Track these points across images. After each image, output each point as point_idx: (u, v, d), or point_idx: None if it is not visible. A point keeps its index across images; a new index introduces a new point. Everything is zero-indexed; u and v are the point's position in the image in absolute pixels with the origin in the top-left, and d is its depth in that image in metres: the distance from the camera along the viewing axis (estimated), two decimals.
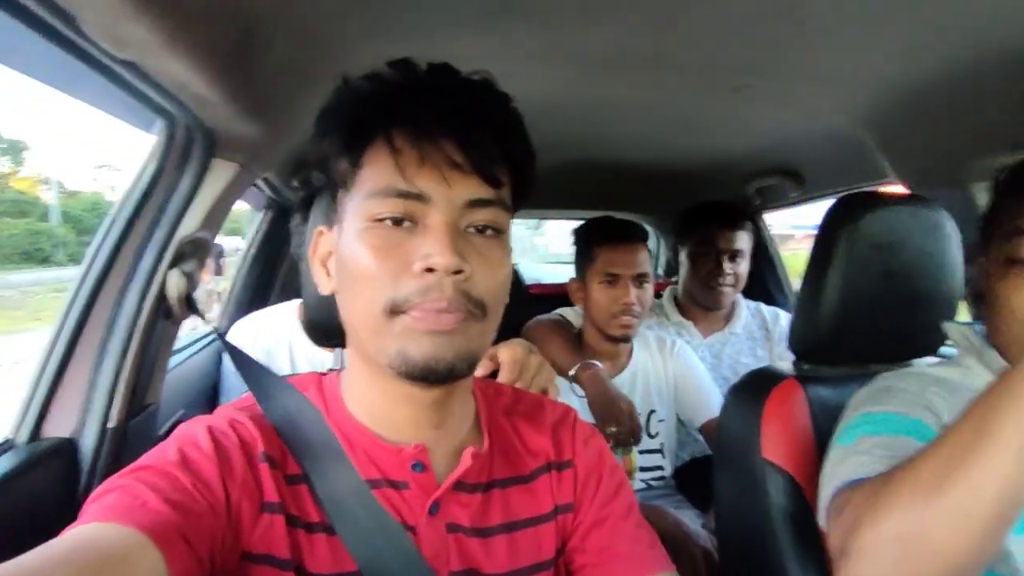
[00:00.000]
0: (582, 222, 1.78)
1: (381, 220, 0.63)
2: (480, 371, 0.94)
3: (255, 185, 1.74)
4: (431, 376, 0.62)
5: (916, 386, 0.89)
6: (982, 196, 1.34)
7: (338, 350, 1.47)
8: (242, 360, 0.76)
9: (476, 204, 0.63)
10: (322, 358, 1.55)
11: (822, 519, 0.83)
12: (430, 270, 0.61)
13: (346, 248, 0.65)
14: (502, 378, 0.98)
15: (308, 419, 0.68)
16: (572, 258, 1.79)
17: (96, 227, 1.04)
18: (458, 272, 0.61)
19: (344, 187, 0.66)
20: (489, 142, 0.63)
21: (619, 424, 1.51)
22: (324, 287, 0.72)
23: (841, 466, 0.82)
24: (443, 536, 0.68)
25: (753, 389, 1.12)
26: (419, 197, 0.62)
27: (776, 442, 1.05)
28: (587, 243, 1.69)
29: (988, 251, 0.89)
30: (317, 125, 0.68)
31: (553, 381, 1.06)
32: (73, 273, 1.04)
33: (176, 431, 0.65)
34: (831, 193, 1.90)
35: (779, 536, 1.01)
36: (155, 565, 0.50)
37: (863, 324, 1.07)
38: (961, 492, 0.62)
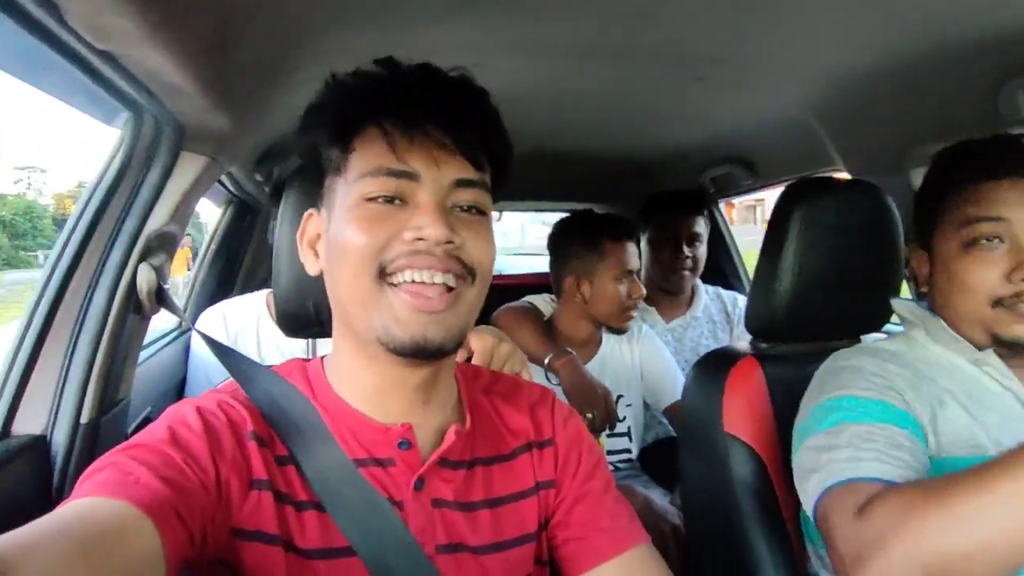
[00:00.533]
0: (566, 214, 1.81)
1: (373, 199, 0.66)
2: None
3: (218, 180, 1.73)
4: (421, 353, 0.66)
5: (874, 364, 0.93)
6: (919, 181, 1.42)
7: (309, 340, 1.47)
8: (222, 349, 0.77)
9: (462, 184, 0.67)
10: (291, 347, 1.55)
11: (809, 508, 0.85)
12: (421, 240, 0.64)
13: (337, 226, 0.68)
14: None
15: (293, 402, 0.70)
16: (528, 249, 1.82)
17: (29, 232, 1.03)
18: (448, 243, 0.65)
19: (335, 172, 0.69)
20: (472, 130, 0.67)
21: (596, 409, 1.56)
22: (312, 267, 0.74)
23: (826, 458, 0.84)
24: (429, 511, 0.70)
25: (714, 367, 1.17)
26: (409, 176, 0.66)
27: (737, 416, 1.10)
28: (595, 239, 1.69)
29: (934, 235, 0.94)
30: (306, 117, 0.71)
31: (525, 366, 1.09)
32: (11, 278, 1.02)
33: (166, 412, 0.66)
34: (781, 181, 1.97)
35: (743, 507, 1.06)
36: (150, 538, 0.51)
37: (815, 303, 1.12)
38: (992, 533, 0.64)
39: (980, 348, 0.92)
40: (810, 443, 0.89)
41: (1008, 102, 1.08)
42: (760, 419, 1.10)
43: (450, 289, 0.66)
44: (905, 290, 1.34)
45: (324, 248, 0.72)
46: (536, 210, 3.15)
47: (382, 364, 0.69)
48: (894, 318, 1.14)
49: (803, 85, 1.37)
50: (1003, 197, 0.87)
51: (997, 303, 0.88)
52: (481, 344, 1.06)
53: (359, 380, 0.72)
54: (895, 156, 1.39)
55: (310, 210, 0.75)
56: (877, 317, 1.18)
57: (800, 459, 0.90)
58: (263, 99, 1.10)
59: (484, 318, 1.90)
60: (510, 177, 0.75)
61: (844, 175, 1.57)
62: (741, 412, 1.10)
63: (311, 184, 0.74)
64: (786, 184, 1.20)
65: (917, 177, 1.40)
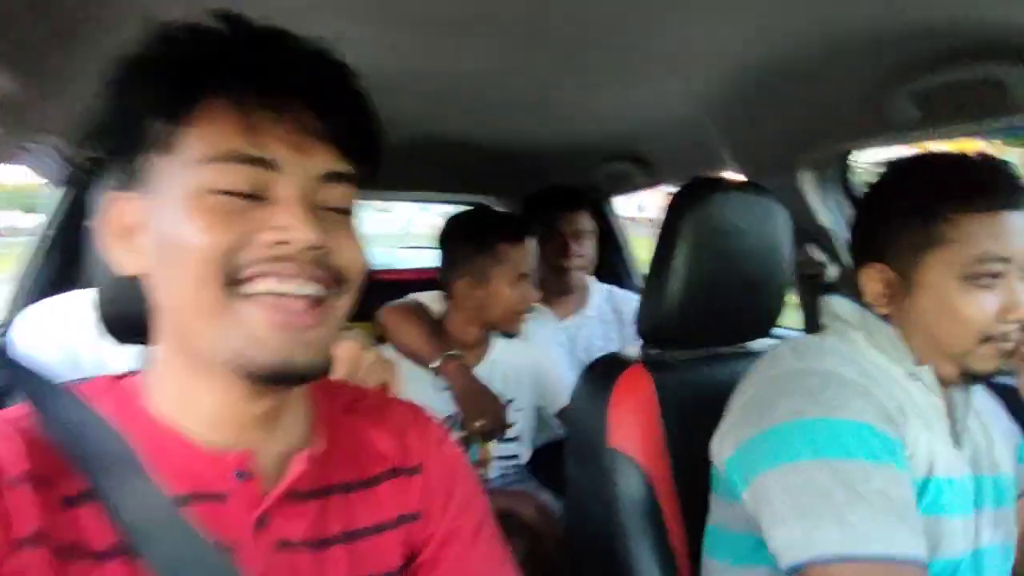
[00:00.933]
0: (461, 209, 1.69)
1: (222, 192, 0.53)
2: None
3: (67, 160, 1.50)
4: (283, 379, 0.55)
5: (854, 372, 0.85)
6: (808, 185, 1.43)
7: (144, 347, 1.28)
8: (10, 362, 0.61)
9: (332, 178, 0.56)
10: (126, 356, 1.35)
11: (785, 560, 0.77)
12: (284, 244, 0.53)
13: (171, 219, 0.54)
14: (335, 376, 0.89)
15: (96, 428, 0.56)
16: (416, 241, 1.71)
17: None
18: (318, 248, 0.54)
19: (160, 150, 0.55)
20: (344, 112, 0.56)
21: (488, 417, 1.48)
22: (126, 266, 0.60)
23: (833, 509, 0.75)
24: (270, 555, 0.58)
25: (601, 376, 1.11)
26: (270, 164, 0.54)
27: (624, 430, 1.04)
28: (490, 241, 1.57)
29: (916, 257, 0.86)
30: (118, 76, 0.56)
31: (392, 375, 0.98)
32: None
33: None
34: (676, 180, 1.96)
35: (627, 527, 1.00)
36: None
37: (706, 308, 1.08)
38: None
39: (940, 376, 0.89)
40: (770, 474, 0.80)
41: (894, 108, 1.07)
42: (649, 433, 1.04)
43: (319, 302, 0.55)
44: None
45: (149, 244, 0.57)
46: (421, 202, 3.01)
47: (226, 388, 0.57)
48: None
49: (694, 80, 1.34)
50: (1016, 232, 0.83)
51: (985, 340, 0.84)
52: (344, 353, 0.94)
53: (190, 402, 0.59)
54: (785, 158, 1.37)
55: (117, 192, 0.60)
56: (765, 323, 1.16)
57: (768, 490, 0.80)
58: (62, 62, 0.91)
59: (366, 318, 1.78)
60: (378, 166, 0.63)
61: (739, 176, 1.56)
62: (629, 425, 1.04)
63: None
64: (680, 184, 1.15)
65: (804, 180, 1.41)
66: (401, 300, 1.74)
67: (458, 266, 1.60)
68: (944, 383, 0.89)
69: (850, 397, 0.81)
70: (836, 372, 0.84)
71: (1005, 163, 0.85)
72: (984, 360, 0.86)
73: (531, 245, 1.60)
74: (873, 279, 0.90)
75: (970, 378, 0.88)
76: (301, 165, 0.55)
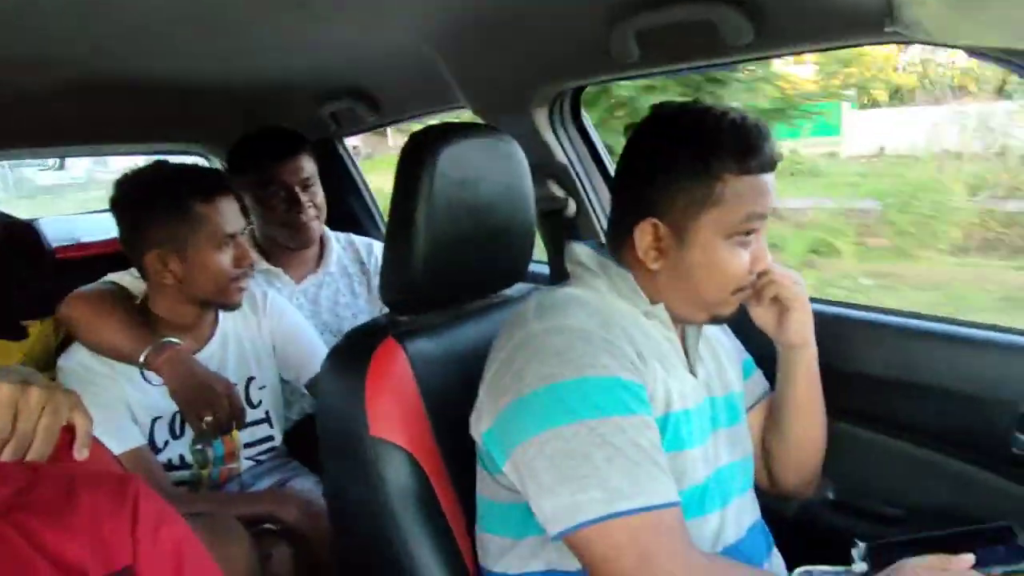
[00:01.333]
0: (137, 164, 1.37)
1: None
2: None
3: None
4: None
5: (595, 323, 0.85)
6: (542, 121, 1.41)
7: None
8: None
9: None
10: None
11: (555, 528, 0.78)
12: None
13: None
14: None
15: None
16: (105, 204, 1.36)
17: None
18: None
19: None
20: None
21: (216, 410, 1.28)
22: None
23: (571, 476, 0.77)
24: None
25: (351, 357, 0.98)
26: None
27: (385, 416, 0.94)
28: (179, 200, 1.30)
29: (684, 212, 0.87)
30: None
31: (78, 410, 0.74)
32: None
33: None
34: (409, 118, 1.84)
35: (401, 520, 0.92)
36: None
37: (454, 265, 1.01)
38: None
39: (682, 320, 0.94)
40: (553, 440, 0.78)
41: (618, 44, 1.06)
42: (411, 413, 0.95)
43: None
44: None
45: None
46: (94, 155, 2.48)
47: None
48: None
49: (416, 11, 1.22)
50: (771, 191, 0.87)
51: (737, 291, 0.90)
52: None
53: None
54: (518, 96, 1.33)
55: None
56: (513, 272, 1.12)
57: (530, 459, 0.79)
58: None
59: (46, 312, 1.41)
60: None
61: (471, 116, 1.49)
62: (389, 410, 0.94)
63: None
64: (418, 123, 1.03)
65: (539, 117, 1.39)
66: (93, 285, 1.42)
67: (144, 238, 1.32)
68: (677, 320, 0.94)
69: (596, 353, 0.82)
70: (580, 328, 0.84)
71: (766, 123, 0.89)
72: (731, 306, 0.93)
73: (231, 200, 1.38)
74: (646, 233, 0.90)
75: (716, 321, 0.95)
76: None
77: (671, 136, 0.89)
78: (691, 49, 1.01)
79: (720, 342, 1.05)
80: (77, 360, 1.32)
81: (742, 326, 1.03)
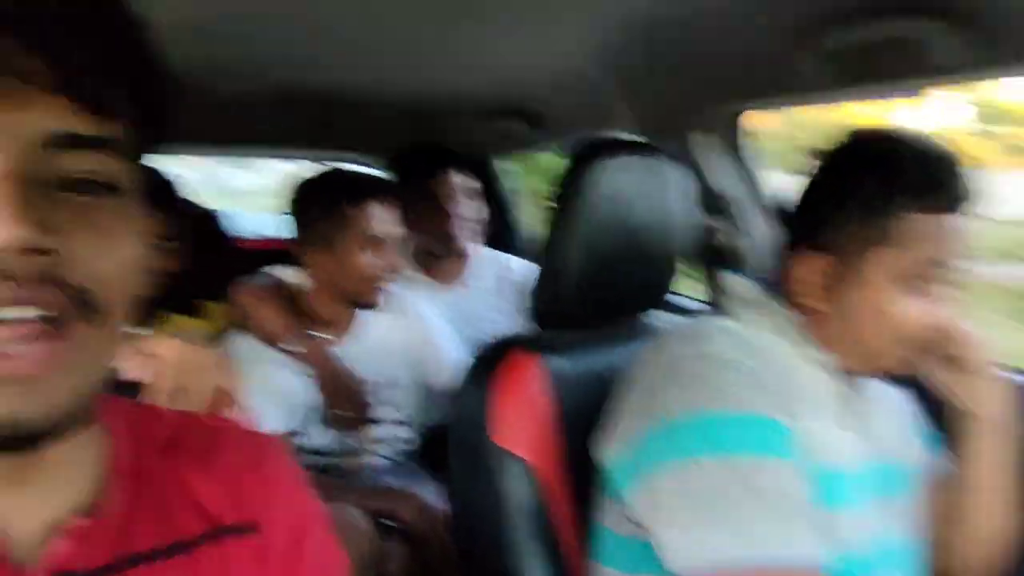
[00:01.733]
0: (318, 173, 1.50)
1: None
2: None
3: None
4: (6, 445, 0.38)
5: (732, 345, 0.78)
6: (704, 146, 1.35)
7: None
8: None
9: (65, 142, 0.38)
10: None
11: (677, 564, 0.71)
12: None
13: None
14: (156, 389, 0.70)
15: None
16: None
17: None
18: (40, 252, 0.36)
19: None
20: (89, 46, 0.38)
21: (348, 406, 1.37)
22: None
23: (702, 513, 0.70)
24: None
25: (487, 367, 0.98)
26: None
27: (510, 425, 0.92)
28: (333, 203, 1.43)
29: (863, 251, 0.79)
30: None
31: (232, 379, 0.79)
32: None
33: None
34: (571, 139, 1.84)
35: (516, 531, 0.90)
36: None
37: (602, 281, 0.99)
38: None
39: (843, 368, 0.84)
40: (685, 472, 0.72)
41: (804, 65, 0.99)
42: (539, 427, 0.92)
43: (53, 326, 0.37)
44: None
45: None
46: (280, 159, 2.71)
47: None
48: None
49: (592, 30, 1.22)
50: (954, 236, 0.77)
51: (906, 343, 0.80)
52: (168, 354, 0.75)
53: None
54: (684, 118, 1.29)
55: None
56: (654, 296, 1.08)
57: (658, 490, 0.74)
58: None
59: (221, 296, 1.55)
60: (165, 116, 0.45)
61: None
62: (515, 420, 0.92)
63: None
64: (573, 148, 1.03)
65: (702, 141, 1.33)
66: (255, 276, 1.55)
67: (307, 234, 1.46)
68: (843, 371, 0.84)
69: (743, 385, 0.75)
70: (724, 356, 0.77)
71: (958, 160, 0.78)
72: (895, 360, 0.82)
73: (379, 206, 1.46)
74: (814, 270, 0.82)
75: (877, 373, 0.85)
76: (10, 124, 0.36)
77: (849, 165, 0.82)
78: (890, 71, 0.92)
79: (897, 407, 0.93)
80: (247, 340, 1.44)
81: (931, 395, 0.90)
